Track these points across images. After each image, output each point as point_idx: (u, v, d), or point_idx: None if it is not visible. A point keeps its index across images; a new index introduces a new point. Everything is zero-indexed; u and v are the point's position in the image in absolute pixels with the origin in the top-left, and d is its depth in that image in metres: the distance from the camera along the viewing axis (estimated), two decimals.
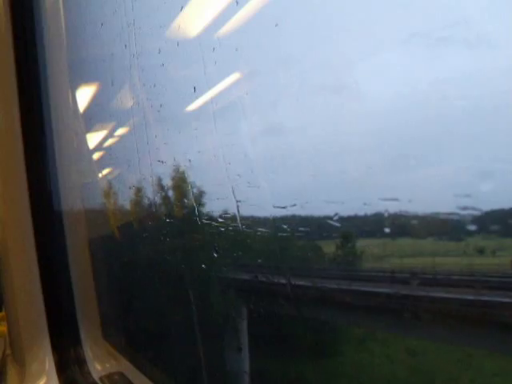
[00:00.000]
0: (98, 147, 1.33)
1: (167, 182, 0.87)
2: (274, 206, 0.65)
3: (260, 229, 0.69)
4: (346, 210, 0.63)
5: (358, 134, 0.62)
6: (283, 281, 0.69)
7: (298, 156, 0.69)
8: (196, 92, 0.70)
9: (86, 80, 1.30)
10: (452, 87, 0.49)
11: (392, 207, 0.55)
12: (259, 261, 0.75)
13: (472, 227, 0.46)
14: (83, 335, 1.31)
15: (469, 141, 0.50)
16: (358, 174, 0.63)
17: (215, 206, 0.75)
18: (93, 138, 1.33)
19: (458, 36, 0.46)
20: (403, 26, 0.52)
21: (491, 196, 0.47)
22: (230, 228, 0.72)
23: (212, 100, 0.69)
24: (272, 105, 0.68)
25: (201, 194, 0.79)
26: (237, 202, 0.67)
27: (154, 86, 0.80)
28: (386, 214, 0.55)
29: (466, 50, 0.47)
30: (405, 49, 0.54)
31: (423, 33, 0.50)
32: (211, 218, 0.76)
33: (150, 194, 0.97)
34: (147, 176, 0.92)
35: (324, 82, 0.62)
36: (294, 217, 0.66)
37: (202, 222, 0.80)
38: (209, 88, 0.69)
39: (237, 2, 0.62)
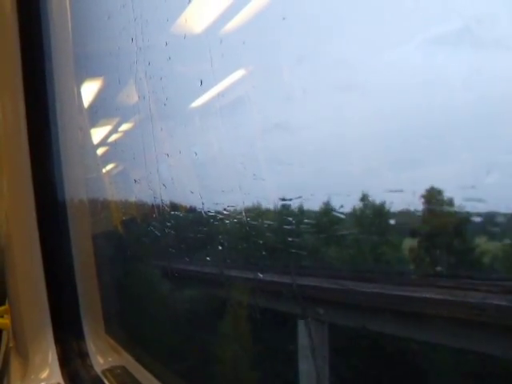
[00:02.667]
0: (103, 142, 1.33)
1: None
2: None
3: None
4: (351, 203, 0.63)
5: (364, 130, 0.62)
6: None
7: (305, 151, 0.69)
8: (203, 86, 0.70)
9: (92, 74, 1.30)
10: (458, 85, 0.49)
11: (397, 200, 0.55)
12: None
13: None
14: (86, 329, 1.32)
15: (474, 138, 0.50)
16: (363, 170, 0.64)
17: None
18: (98, 133, 1.33)
19: (467, 35, 0.46)
20: (412, 25, 0.52)
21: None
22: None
23: (219, 94, 0.69)
24: (279, 100, 0.68)
25: None
26: None
27: (161, 79, 0.80)
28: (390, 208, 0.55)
29: (473, 48, 0.47)
30: (412, 48, 0.54)
31: (431, 32, 0.51)
32: None
33: None
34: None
35: (331, 78, 0.63)
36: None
37: None
38: (216, 82, 0.69)
39: None
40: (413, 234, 0.67)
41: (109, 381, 1.15)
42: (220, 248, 0.83)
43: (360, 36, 0.58)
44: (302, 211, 0.68)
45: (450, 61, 0.50)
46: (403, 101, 0.57)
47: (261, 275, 0.74)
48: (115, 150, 1.32)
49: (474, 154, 0.51)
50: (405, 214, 0.59)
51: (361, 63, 0.60)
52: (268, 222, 0.71)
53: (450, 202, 0.54)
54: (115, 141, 1.27)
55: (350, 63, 0.60)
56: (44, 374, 1.21)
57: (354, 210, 0.66)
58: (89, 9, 1.21)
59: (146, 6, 0.81)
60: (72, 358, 1.25)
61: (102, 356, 1.27)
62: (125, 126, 1.19)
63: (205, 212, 0.77)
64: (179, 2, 0.73)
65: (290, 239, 0.70)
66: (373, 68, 0.59)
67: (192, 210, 0.87)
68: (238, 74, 0.70)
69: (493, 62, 0.46)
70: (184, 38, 0.73)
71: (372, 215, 0.65)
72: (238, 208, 0.71)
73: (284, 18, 0.58)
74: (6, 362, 1.51)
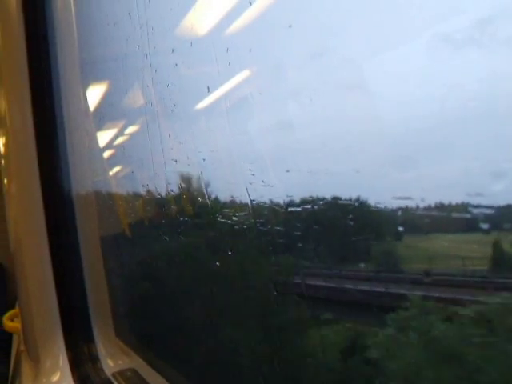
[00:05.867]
0: (110, 146, 1.34)
1: None
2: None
3: None
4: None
5: (370, 132, 0.62)
6: None
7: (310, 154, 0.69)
8: (209, 92, 0.71)
9: (98, 80, 1.31)
10: (464, 88, 0.49)
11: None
12: None
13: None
14: (96, 332, 1.33)
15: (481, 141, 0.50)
16: (370, 173, 0.64)
17: None
18: (105, 138, 1.34)
19: (474, 37, 0.46)
20: (418, 25, 0.52)
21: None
22: None
23: (226, 100, 0.70)
24: (285, 103, 0.69)
25: None
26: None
27: (167, 86, 0.81)
28: (399, 213, 0.55)
29: (481, 50, 0.47)
30: (419, 49, 0.54)
31: (438, 31, 0.51)
32: None
33: None
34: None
35: (340, 81, 0.63)
36: None
37: None
38: (222, 88, 0.69)
39: (250, 3, 0.63)
40: None
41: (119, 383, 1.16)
42: None
43: (366, 34, 0.58)
44: None
45: (458, 60, 0.50)
46: (409, 100, 0.57)
47: None
48: (123, 155, 1.32)
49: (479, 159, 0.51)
50: None
51: (366, 62, 0.60)
52: None
53: None
54: (123, 145, 1.27)
55: (357, 64, 0.60)
56: (55, 378, 1.22)
57: None
58: (94, 16, 1.21)
59: (152, 13, 0.82)
60: (82, 361, 1.26)
61: (113, 359, 1.28)
62: (132, 131, 1.20)
63: None
64: (184, 9, 0.74)
65: None
66: (378, 67, 0.59)
67: None
68: (246, 78, 0.71)
69: (500, 62, 0.46)
70: (191, 44, 0.74)
71: None
72: None
73: (290, 26, 0.58)
74: (18, 365, 1.52)
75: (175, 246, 0.99)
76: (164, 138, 0.85)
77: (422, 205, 0.54)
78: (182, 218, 0.90)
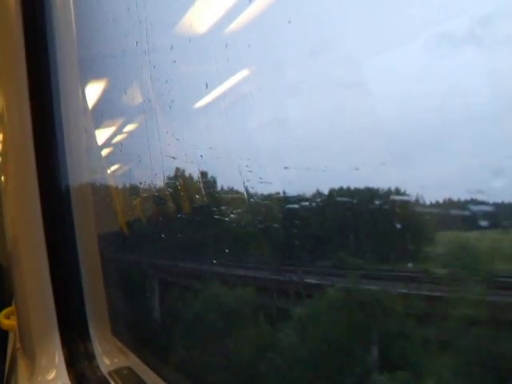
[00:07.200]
0: (108, 144, 1.34)
1: None
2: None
3: None
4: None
5: (369, 130, 0.62)
6: None
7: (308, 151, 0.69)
8: (208, 88, 0.71)
9: (97, 77, 1.31)
10: (465, 86, 0.49)
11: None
12: None
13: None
14: (92, 330, 1.33)
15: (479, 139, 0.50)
16: (369, 171, 0.64)
17: None
18: (103, 135, 1.34)
19: (474, 34, 0.46)
20: (419, 23, 0.52)
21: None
22: None
23: (224, 96, 0.70)
24: (284, 100, 0.68)
25: None
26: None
27: (166, 82, 0.80)
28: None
29: (481, 48, 0.47)
30: (419, 47, 0.54)
31: (437, 30, 0.51)
32: None
33: None
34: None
35: (337, 79, 0.63)
36: None
37: None
38: (221, 84, 0.69)
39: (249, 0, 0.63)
40: None
41: (115, 382, 1.15)
42: None
43: (365, 31, 0.58)
44: None
45: (456, 60, 0.50)
46: (408, 97, 0.57)
47: None
48: (121, 151, 1.32)
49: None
50: None
51: (366, 59, 0.60)
52: None
53: None
54: (121, 142, 1.27)
55: (356, 61, 0.60)
56: (51, 376, 1.21)
57: None
58: (93, 12, 1.21)
59: (151, 9, 0.82)
60: (78, 359, 1.26)
61: (109, 357, 1.27)
62: (130, 128, 1.19)
63: None
64: (183, 5, 0.74)
65: None
66: (377, 64, 0.59)
67: None
68: (244, 75, 0.70)
69: (498, 62, 0.46)
70: (189, 41, 0.74)
71: None
72: None
73: (289, 22, 0.58)
74: (13, 363, 1.52)
75: (172, 243, 0.99)
76: (162, 134, 0.85)
77: (424, 202, 0.54)
78: (179, 215, 0.90)
